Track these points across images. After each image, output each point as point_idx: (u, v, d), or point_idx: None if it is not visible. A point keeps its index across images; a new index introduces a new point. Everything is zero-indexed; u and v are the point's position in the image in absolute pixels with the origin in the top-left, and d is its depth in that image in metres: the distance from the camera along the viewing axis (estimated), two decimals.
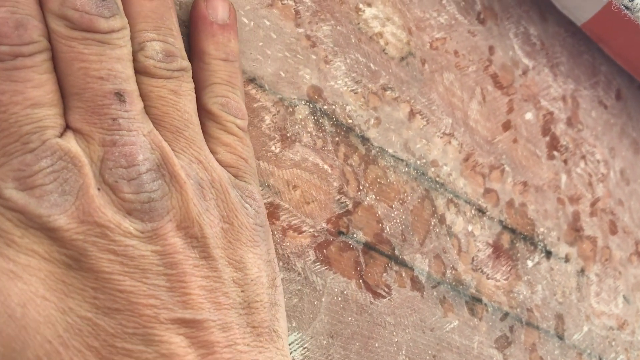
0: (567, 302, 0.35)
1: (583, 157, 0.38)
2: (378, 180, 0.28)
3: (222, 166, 0.21)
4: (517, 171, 0.34)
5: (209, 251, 0.20)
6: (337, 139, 0.27)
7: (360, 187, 0.28)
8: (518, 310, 0.33)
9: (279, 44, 0.26)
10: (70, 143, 0.18)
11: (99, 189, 0.18)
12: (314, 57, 0.27)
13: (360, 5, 0.28)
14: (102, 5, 0.19)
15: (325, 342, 0.26)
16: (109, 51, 0.19)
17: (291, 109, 0.26)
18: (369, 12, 0.29)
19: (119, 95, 0.19)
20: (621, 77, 0.41)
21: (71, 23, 0.18)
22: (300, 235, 0.26)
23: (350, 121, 0.28)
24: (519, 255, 0.33)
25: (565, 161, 0.37)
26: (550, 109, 0.36)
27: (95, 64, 0.19)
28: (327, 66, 0.27)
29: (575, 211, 0.37)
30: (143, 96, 0.20)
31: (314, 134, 0.27)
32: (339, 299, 0.26)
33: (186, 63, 0.21)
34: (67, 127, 0.19)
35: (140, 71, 0.20)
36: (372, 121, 0.28)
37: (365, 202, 0.28)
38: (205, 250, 0.20)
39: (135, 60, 0.20)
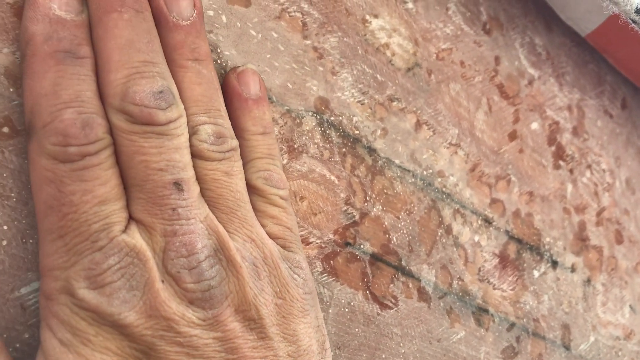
0: (573, 312, 0.35)
1: (589, 166, 0.38)
2: (385, 191, 0.28)
3: (271, 238, 0.22)
4: (523, 181, 0.34)
5: (265, 331, 0.21)
6: (344, 150, 0.27)
7: (367, 198, 0.28)
8: (524, 320, 0.33)
9: (287, 56, 0.26)
10: (135, 238, 0.19)
11: (162, 281, 0.19)
12: (321, 68, 0.27)
13: (367, 17, 0.29)
14: (159, 98, 0.19)
15: (332, 353, 0.26)
16: (167, 142, 0.20)
17: (298, 121, 0.26)
18: (375, 24, 0.29)
19: (177, 185, 0.20)
20: (626, 87, 0.41)
21: (131, 117, 0.19)
22: (307, 247, 0.26)
23: (357, 132, 0.28)
24: (525, 265, 0.33)
25: (571, 171, 0.37)
26: (556, 119, 0.36)
27: (155, 156, 0.19)
28: (334, 77, 0.27)
29: (581, 221, 0.36)
30: (198, 179, 0.21)
31: (321, 145, 0.27)
32: (346, 310, 0.26)
33: (235, 142, 0.22)
34: (130, 217, 0.19)
35: (194, 154, 0.21)
36: (378, 132, 0.28)
37: (372, 213, 0.28)
38: (262, 331, 0.20)
39: (189, 143, 0.21)
